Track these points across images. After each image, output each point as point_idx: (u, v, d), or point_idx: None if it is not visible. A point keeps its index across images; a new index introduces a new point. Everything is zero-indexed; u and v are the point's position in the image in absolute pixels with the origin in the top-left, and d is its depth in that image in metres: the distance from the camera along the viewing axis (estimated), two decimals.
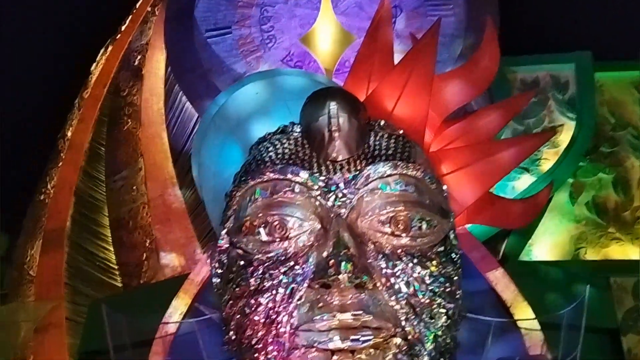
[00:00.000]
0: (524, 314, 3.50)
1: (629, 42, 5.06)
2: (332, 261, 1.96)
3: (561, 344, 3.33)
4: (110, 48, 5.91)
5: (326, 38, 4.40)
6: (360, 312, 1.92)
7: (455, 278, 2.22)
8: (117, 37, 5.86)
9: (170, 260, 4.57)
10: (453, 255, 2.32)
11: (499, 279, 3.45)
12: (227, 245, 2.39)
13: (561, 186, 4.57)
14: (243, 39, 4.69)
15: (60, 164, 5.84)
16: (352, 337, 1.89)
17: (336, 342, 1.90)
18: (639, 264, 4.72)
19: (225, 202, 2.40)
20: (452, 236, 2.36)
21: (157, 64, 5.10)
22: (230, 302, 2.19)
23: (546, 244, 4.62)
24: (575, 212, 4.73)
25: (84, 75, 6.11)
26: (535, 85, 4.76)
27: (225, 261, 2.40)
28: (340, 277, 1.92)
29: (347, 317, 1.90)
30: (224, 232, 2.38)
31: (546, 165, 4.45)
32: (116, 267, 5.01)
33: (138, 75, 5.25)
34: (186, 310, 3.85)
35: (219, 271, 2.49)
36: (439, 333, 2.09)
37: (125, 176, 5.12)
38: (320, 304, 1.94)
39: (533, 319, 3.45)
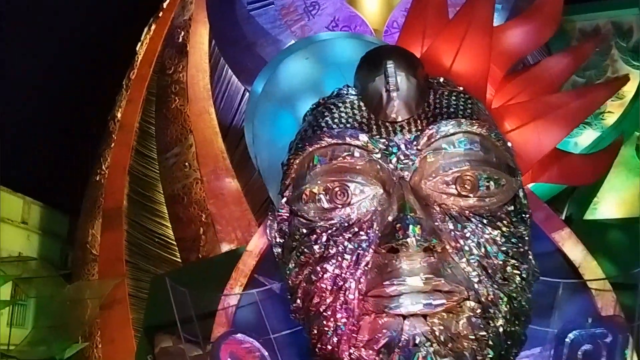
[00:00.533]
0: (594, 275, 3.35)
1: None
2: (398, 225, 1.91)
3: (638, 304, 3.18)
4: (153, 27, 5.92)
5: None
6: (431, 275, 1.87)
7: (527, 238, 2.13)
8: (160, 15, 5.86)
9: (227, 233, 4.61)
10: (523, 214, 2.23)
11: (566, 239, 3.30)
12: (287, 214, 2.37)
13: (627, 140, 4.31)
14: (286, 8, 4.59)
15: (113, 144, 5.96)
16: (424, 301, 1.84)
17: (408, 307, 1.86)
18: None
19: (282, 171, 2.36)
20: (521, 195, 2.26)
21: (200, 39, 5.07)
22: (295, 270, 2.17)
23: (612, 202, 4.40)
24: None
25: (131, 56, 6.17)
26: (596, 34, 4.48)
27: (286, 230, 2.38)
28: (408, 240, 1.86)
29: (417, 281, 1.84)
30: (283, 200, 2.36)
31: (610, 118, 4.21)
32: (174, 242, 5.10)
33: (183, 51, 5.24)
34: (246, 282, 3.89)
35: (281, 240, 2.47)
36: (514, 295, 2.02)
37: (176, 153, 5.17)
38: (389, 269, 1.89)
39: (605, 279, 3.30)
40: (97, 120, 6.64)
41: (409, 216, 1.92)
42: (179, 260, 5.08)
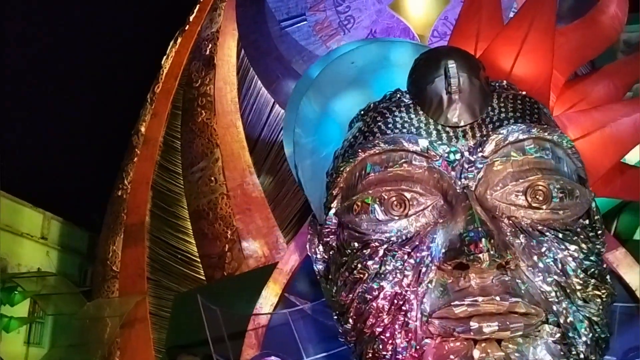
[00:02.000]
0: None
1: None
2: (468, 238, 1.70)
3: None
4: (179, 40, 5.87)
5: (415, 4, 4.12)
6: (507, 295, 1.66)
7: (603, 257, 1.94)
8: (186, 28, 5.81)
9: (254, 250, 4.45)
10: (599, 230, 2.02)
11: (621, 260, 3.10)
12: (335, 227, 2.18)
13: None
14: (320, 24, 4.48)
15: (136, 159, 5.86)
16: (499, 324, 1.63)
17: (480, 330, 1.64)
18: None
19: (328, 181, 2.19)
20: (594, 208, 2.05)
21: (229, 51, 4.99)
22: (346, 288, 1.97)
23: None
24: None
25: (156, 69, 6.11)
26: None
27: (334, 245, 2.18)
28: (480, 256, 1.65)
29: (491, 301, 1.63)
30: (331, 212, 2.17)
31: None
32: (198, 259, 4.96)
33: (210, 64, 5.16)
34: (277, 301, 3.73)
35: (326, 256, 2.28)
36: (595, 319, 1.80)
37: (202, 167, 5.05)
38: (457, 288, 1.69)
39: None
40: (119, 135, 6.58)
41: (480, 229, 1.71)
42: (203, 277, 4.92)
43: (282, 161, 4.48)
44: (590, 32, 2.39)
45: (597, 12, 2.43)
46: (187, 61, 5.58)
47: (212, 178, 4.94)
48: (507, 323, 1.68)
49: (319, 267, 2.38)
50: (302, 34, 4.46)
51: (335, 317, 2.10)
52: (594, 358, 1.81)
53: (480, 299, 1.67)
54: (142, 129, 5.95)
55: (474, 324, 1.69)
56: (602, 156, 2.29)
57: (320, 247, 2.32)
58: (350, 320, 1.94)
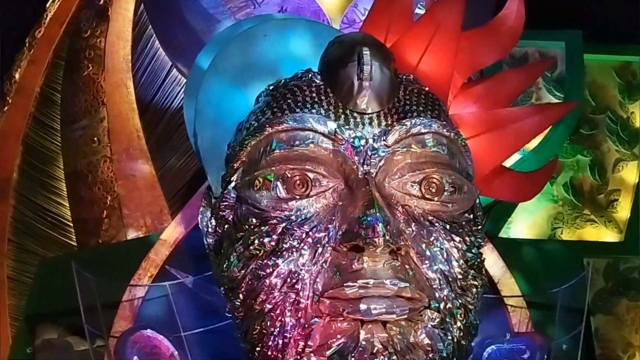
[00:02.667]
0: (511, 291, 3.47)
1: (615, 25, 5.06)
2: (365, 222, 1.77)
3: (556, 323, 3.31)
4: None
5: None
6: (396, 280, 1.74)
7: (482, 250, 2.10)
8: None
9: (135, 219, 4.22)
10: (480, 225, 2.20)
11: (488, 254, 3.35)
12: (233, 201, 2.15)
13: None
14: None
15: (6, 108, 5.30)
16: (387, 307, 1.71)
17: (369, 311, 1.71)
18: (611, 246, 4.84)
19: (230, 153, 2.16)
20: (478, 204, 2.23)
21: (126, 5, 4.63)
22: (239, 264, 1.95)
23: (524, 223, 4.61)
24: (554, 192, 4.75)
25: (39, 12, 5.53)
26: (525, 61, 4.67)
27: (230, 219, 2.16)
28: (376, 240, 1.73)
29: (381, 284, 1.70)
30: (230, 186, 2.14)
31: (532, 143, 4.39)
32: (71, 224, 4.61)
33: (103, 15, 4.77)
34: (156, 273, 3.58)
35: (219, 230, 2.25)
36: (470, 307, 1.97)
37: (84, 126, 4.68)
38: (350, 270, 1.74)
39: (523, 296, 3.40)
40: None
41: (378, 214, 1.78)
42: (74, 243, 4.59)
43: (175, 129, 4.27)
44: (491, 40, 2.55)
45: (498, 22, 2.60)
46: (77, 8, 5.10)
47: (95, 139, 4.59)
48: (394, 306, 1.76)
49: (209, 240, 2.34)
50: (210, 2, 4.27)
51: (224, 292, 2.07)
52: (464, 343, 1.95)
53: (371, 281, 1.74)
54: (16, 76, 5.38)
55: (363, 306, 1.74)
56: (487, 157, 2.46)
57: (213, 221, 2.29)
58: (241, 296, 1.92)
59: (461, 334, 1.91)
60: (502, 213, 4.39)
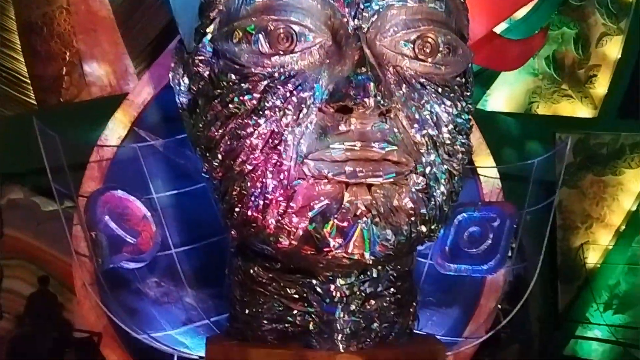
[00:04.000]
0: (485, 162, 3.47)
1: None
2: (356, 81, 1.61)
3: (529, 193, 3.37)
4: None
5: None
6: (384, 143, 1.64)
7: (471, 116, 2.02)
8: None
9: (98, 77, 3.96)
10: (470, 91, 2.07)
11: None
12: (209, 56, 1.94)
13: None
14: None
15: None
16: (374, 170, 1.63)
17: (354, 173, 1.63)
18: (584, 122, 4.88)
19: (205, 1, 1.91)
20: (470, 69, 2.09)
21: None
22: (217, 123, 1.80)
23: (502, 96, 4.56)
24: (535, 65, 4.63)
25: None
26: None
27: (206, 75, 1.96)
28: (366, 100, 1.59)
29: (369, 147, 1.60)
30: (206, 39, 1.92)
31: (520, 12, 4.18)
32: (28, 80, 4.30)
33: None
34: (125, 134, 3.41)
35: (194, 87, 2.06)
36: (454, 172, 1.90)
37: None
38: (337, 132, 1.62)
39: (505, 167, 3.42)
40: None
41: (369, 73, 1.61)
42: (34, 101, 4.32)
43: None
44: None
45: None
46: None
47: None
48: (380, 169, 1.67)
49: (182, 99, 2.15)
50: None
51: (200, 153, 1.94)
52: (446, 209, 1.90)
53: (358, 144, 1.62)
54: None
55: (348, 168, 1.65)
56: (480, 22, 2.31)
57: (186, 78, 2.09)
58: (219, 156, 1.79)
59: (444, 199, 1.88)
60: (482, 84, 4.31)
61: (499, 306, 3.61)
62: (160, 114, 3.48)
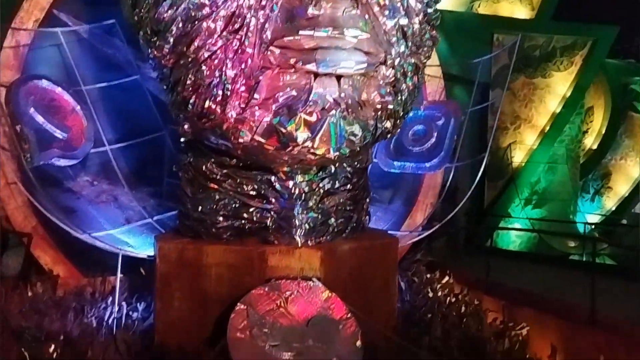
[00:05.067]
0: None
1: None
2: None
3: (474, 92, 3.38)
4: None
5: None
6: (356, 30, 1.56)
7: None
8: None
9: None
10: None
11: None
12: None
13: None
14: None
15: None
16: (344, 59, 1.56)
17: (325, 62, 1.56)
18: (521, 23, 4.89)
19: None
20: None
21: None
22: (167, 2, 1.63)
23: None
24: None
25: None
26: None
27: None
28: None
29: (340, 35, 1.52)
30: None
31: None
32: None
33: None
34: (42, 17, 3.01)
35: None
36: (420, 66, 1.91)
37: None
38: (306, 16, 1.51)
39: (448, 66, 3.38)
40: None
41: None
42: None
43: None
44: None
45: None
46: None
47: None
48: (352, 59, 1.62)
49: None
50: None
51: (143, 36, 1.78)
52: (409, 103, 1.92)
53: (329, 31, 1.54)
54: None
55: (318, 56, 1.58)
56: None
57: None
58: (170, 40, 1.65)
59: (409, 93, 1.89)
60: None
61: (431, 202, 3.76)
62: None
